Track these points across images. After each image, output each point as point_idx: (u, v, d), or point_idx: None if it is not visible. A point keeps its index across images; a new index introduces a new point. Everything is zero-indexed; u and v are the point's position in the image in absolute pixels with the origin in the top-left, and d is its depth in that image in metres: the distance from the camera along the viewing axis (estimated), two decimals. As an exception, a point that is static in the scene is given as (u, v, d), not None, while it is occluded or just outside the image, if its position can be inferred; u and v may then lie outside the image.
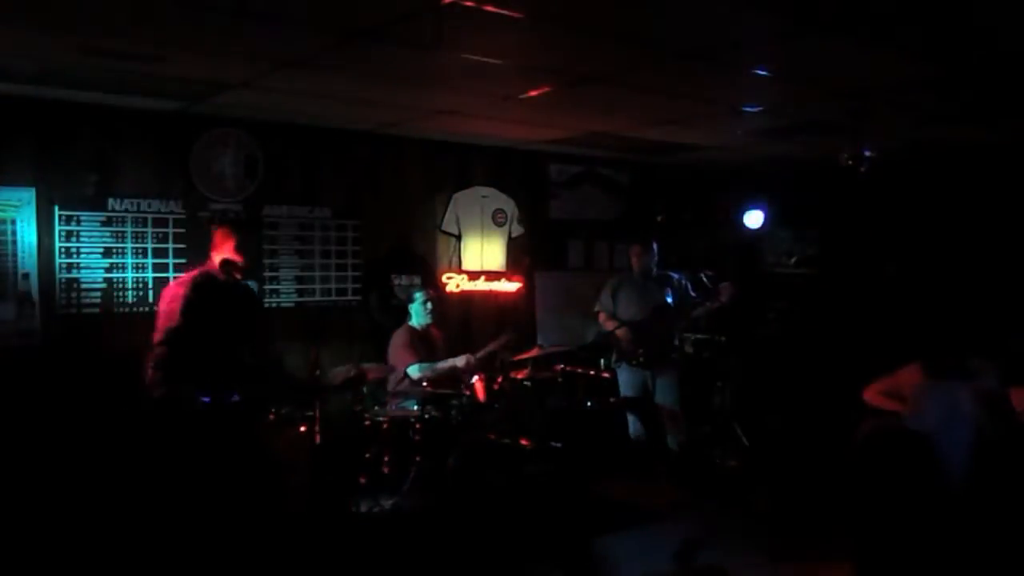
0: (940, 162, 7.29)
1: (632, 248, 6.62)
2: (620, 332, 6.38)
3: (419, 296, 6.10)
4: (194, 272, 4.42)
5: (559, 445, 5.61)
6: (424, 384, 5.64)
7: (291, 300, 6.21)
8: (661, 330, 6.38)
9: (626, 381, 6.50)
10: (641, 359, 6.35)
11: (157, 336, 4.17)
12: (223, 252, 4.40)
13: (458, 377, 5.90)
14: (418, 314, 6.09)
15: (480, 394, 5.84)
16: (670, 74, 4.57)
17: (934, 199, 7.58)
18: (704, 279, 6.74)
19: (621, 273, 6.80)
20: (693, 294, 6.62)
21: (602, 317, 6.63)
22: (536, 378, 6.02)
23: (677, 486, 6.08)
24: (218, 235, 4.45)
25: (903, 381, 4.31)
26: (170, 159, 5.72)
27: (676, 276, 6.68)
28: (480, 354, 5.99)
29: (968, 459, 3.90)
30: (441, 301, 6.46)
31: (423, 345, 6.03)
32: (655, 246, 6.57)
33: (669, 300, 6.47)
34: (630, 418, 6.51)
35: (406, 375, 5.85)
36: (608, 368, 6.72)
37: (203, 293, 4.26)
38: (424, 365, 5.80)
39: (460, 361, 5.90)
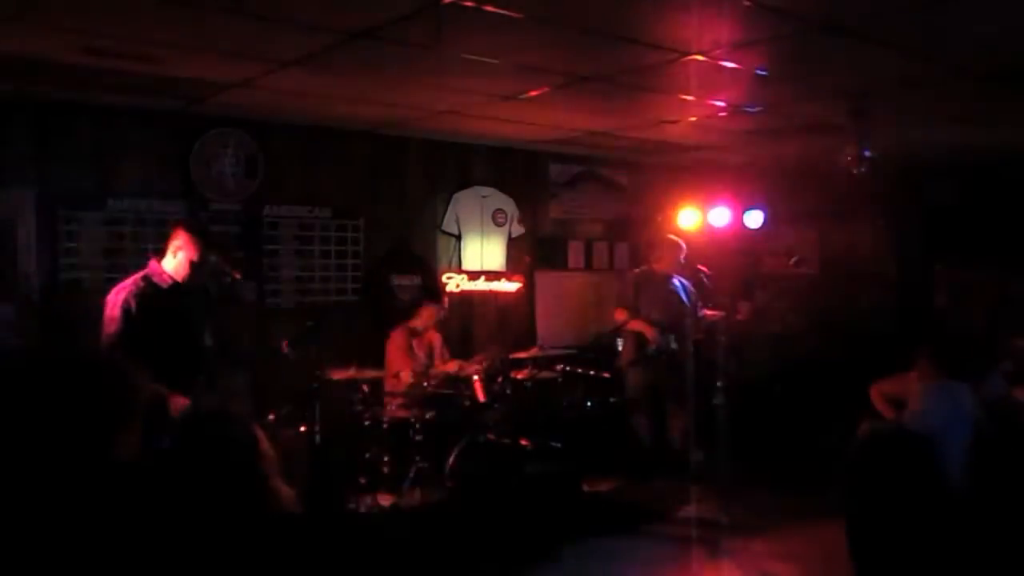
0: (941, 162, 7.29)
1: (662, 245, 6.57)
2: (651, 333, 6.31)
3: (432, 309, 6.07)
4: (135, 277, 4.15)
5: (559, 445, 5.61)
6: (425, 384, 5.64)
7: (291, 300, 6.21)
8: (683, 333, 6.35)
9: (637, 382, 6.46)
10: (662, 358, 6.31)
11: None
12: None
13: (455, 379, 5.90)
14: (430, 317, 6.08)
15: (480, 394, 5.84)
16: (671, 74, 4.57)
17: (935, 199, 7.59)
18: (704, 280, 6.73)
19: (643, 270, 6.71)
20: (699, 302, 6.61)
21: (622, 315, 6.54)
22: (536, 378, 6.02)
23: (680, 486, 6.07)
24: (177, 238, 4.19)
25: (911, 382, 4.29)
26: (170, 159, 5.72)
27: (687, 281, 6.66)
28: (469, 363, 5.99)
29: (968, 460, 3.90)
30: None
31: (421, 348, 6.03)
32: (683, 245, 6.55)
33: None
34: (635, 420, 6.50)
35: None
36: (611, 368, 6.71)
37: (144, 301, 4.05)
38: (418, 373, 5.79)
39: (452, 368, 5.89)
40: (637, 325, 6.40)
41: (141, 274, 4.18)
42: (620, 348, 7.28)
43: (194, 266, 4.18)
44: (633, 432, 6.54)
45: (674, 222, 7.40)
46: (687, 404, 6.42)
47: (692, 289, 6.59)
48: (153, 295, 4.10)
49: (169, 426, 3.69)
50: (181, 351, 4.10)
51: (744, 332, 7.03)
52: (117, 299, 4.04)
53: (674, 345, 6.37)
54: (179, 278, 4.17)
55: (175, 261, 4.17)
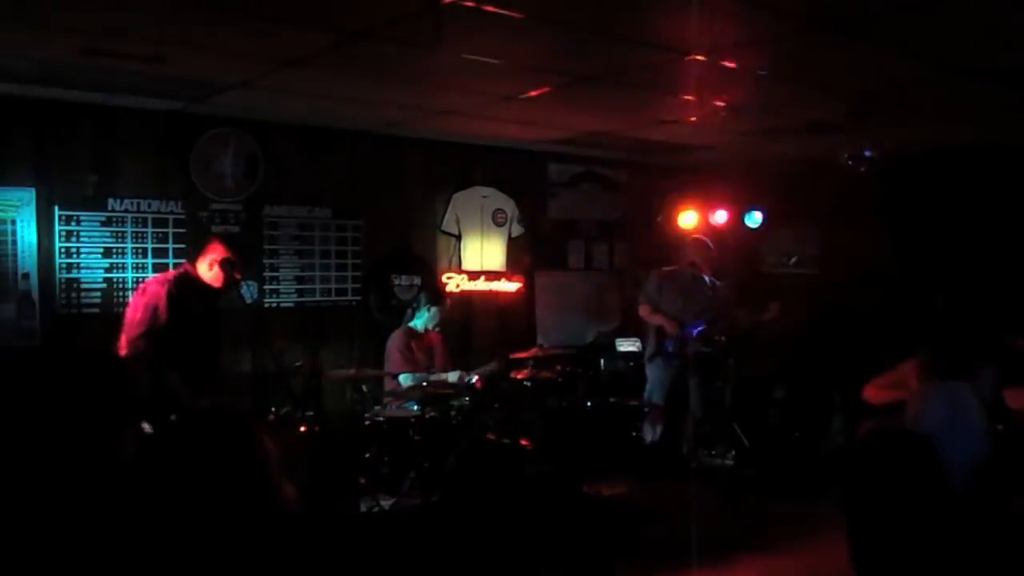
0: (941, 162, 7.29)
1: (688, 244, 6.58)
2: (670, 327, 6.31)
3: (434, 310, 6.07)
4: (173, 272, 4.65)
5: (559, 445, 5.61)
6: (425, 384, 5.63)
7: (291, 300, 6.21)
8: (706, 331, 6.34)
9: (658, 379, 6.47)
10: (678, 359, 6.31)
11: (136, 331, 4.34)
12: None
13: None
14: (423, 319, 6.07)
15: (479, 383, 5.85)
16: (671, 74, 4.57)
17: (935, 199, 7.58)
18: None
19: (670, 269, 6.71)
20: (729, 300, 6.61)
21: (645, 310, 6.56)
22: (536, 378, 6.02)
23: (682, 487, 6.07)
24: (212, 246, 4.66)
25: (906, 373, 4.28)
26: (170, 159, 5.72)
27: (718, 281, 6.65)
28: (472, 373, 5.99)
29: (970, 460, 3.89)
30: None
31: (421, 349, 6.02)
32: (711, 245, 6.54)
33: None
34: (647, 417, 6.50)
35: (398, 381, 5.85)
36: (607, 368, 6.72)
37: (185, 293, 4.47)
38: (417, 376, 5.78)
39: (452, 377, 5.89)
40: (657, 319, 6.45)
41: (177, 271, 4.65)
42: (623, 348, 7.29)
43: (223, 272, 4.60)
44: (643, 431, 6.54)
45: (683, 221, 7.40)
46: (700, 403, 6.43)
47: (724, 289, 6.59)
48: (190, 288, 4.51)
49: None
50: (204, 346, 4.50)
51: (744, 332, 7.04)
52: (156, 289, 4.41)
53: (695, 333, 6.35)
54: (212, 282, 4.60)
55: (204, 266, 4.59)
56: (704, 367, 6.42)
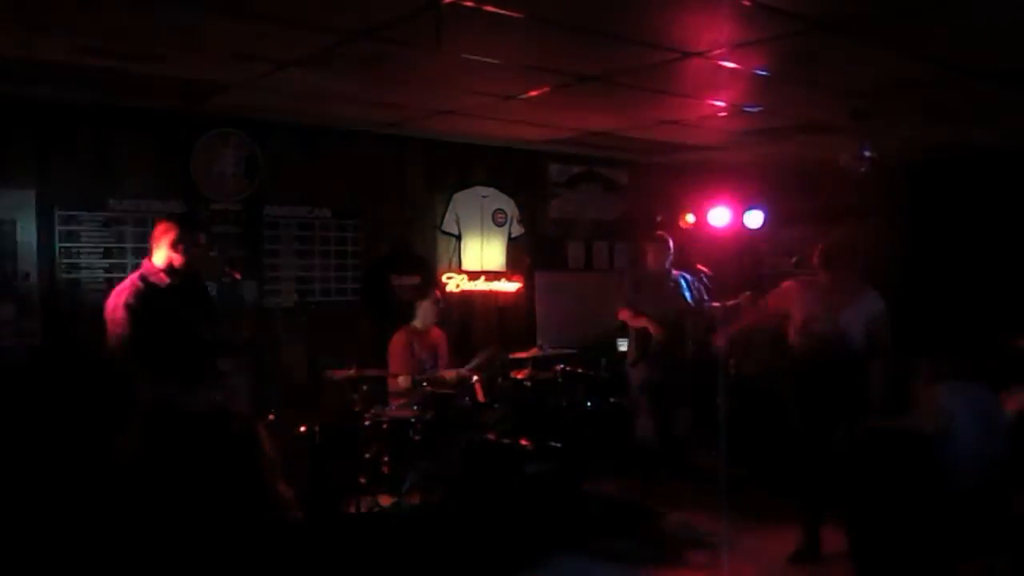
0: (941, 162, 7.29)
1: (647, 244, 6.57)
2: (655, 329, 6.30)
3: (424, 304, 6.05)
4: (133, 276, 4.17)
5: (559, 445, 5.61)
6: (424, 384, 5.63)
7: (291, 300, 6.21)
8: (683, 329, 6.33)
9: (640, 380, 6.46)
10: (664, 355, 6.31)
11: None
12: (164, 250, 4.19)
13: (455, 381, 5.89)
14: (425, 314, 6.06)
15: (480, 394, 5.84)
16: (671, 74, 4.58)
17: (936, 199, 7.59)
18: (705, 280, 6.72)
19: (637, 269, 6.71)
20: (707, 296, 6.58)
21: (626, 314, 6.55)
22: (536, 378, 6.02)
23: (681, 486, 6.07)
24: (158, 230, 4.22)
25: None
26: (170, 159, 5.72)
27: (690, 277, 6.64)
28: (467, 367, 5.98)
29: (985, 460, 3.88)
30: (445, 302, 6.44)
31: (424, 348, 6.01)
32: (671, 242, 6.53)
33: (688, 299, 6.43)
34: (638, 419, 6.49)
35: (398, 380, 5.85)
36: (609, 367, 6.70)
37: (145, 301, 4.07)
38: (416, 378, 5.77)
39: (449, 375, 5.89)
40: (640, 322, 6.43)
41: (137, 274, 4.18)
42: (623, 348, 7.29)
43: (180, 247, 4.15)
44: (636, 431, 6.53)
45: (673, 221, 7.40)
46: (689, 402, 6.42)
47: (699, 286, 6.58)
48: (153, 295, 4.10)
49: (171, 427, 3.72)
50: (185, 349, 4.13)
51: (745, 332, 7.03)
52: (119, 301, 4.03)
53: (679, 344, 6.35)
54: (176, 264, 4.17)
55: (162, 253, 4.17)
56: (701, 367, 6.41)
